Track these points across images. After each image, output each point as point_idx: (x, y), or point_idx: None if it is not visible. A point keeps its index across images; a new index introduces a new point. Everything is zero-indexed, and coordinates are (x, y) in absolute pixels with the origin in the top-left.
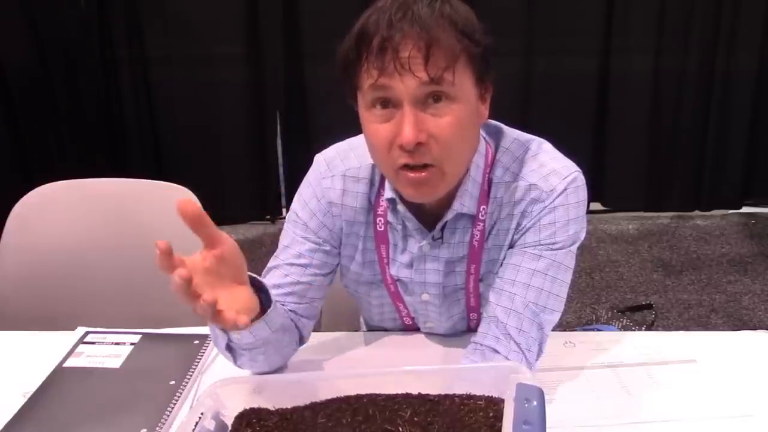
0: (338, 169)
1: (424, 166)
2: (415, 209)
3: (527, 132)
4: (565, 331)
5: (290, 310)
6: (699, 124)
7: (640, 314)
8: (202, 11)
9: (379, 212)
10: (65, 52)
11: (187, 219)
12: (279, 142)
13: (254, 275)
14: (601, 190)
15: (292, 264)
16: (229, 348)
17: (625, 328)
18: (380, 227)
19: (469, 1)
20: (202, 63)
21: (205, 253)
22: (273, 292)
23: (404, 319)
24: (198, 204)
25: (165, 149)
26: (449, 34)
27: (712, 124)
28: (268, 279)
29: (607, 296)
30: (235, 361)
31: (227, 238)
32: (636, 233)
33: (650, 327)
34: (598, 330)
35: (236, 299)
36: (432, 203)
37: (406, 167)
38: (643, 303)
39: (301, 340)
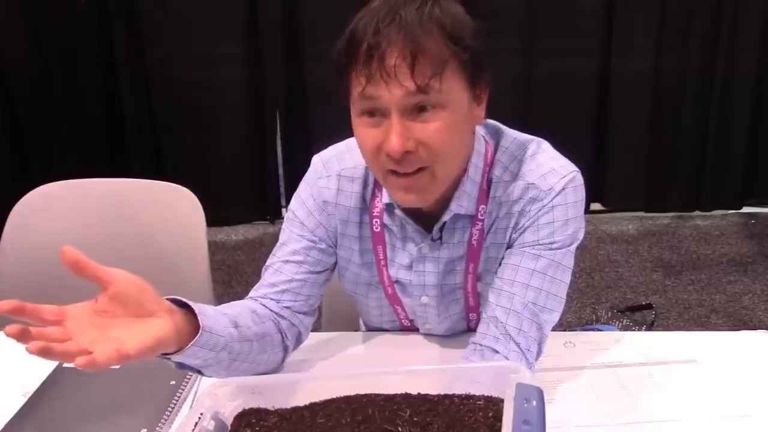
0: (334, 169)
1: (416, 171)
2: (413, 211)
3: (527, 132)
4: (565, 331)
5: (286, 307)
6: (699, 124)
7: (640, 314)
8: (202, 11)
9: (375, 213)
10: (65, 52)
11: (69, 267)
12: (279, 142)
13: (181, 299)
14: (601, 190)
15: (287, 261)
16: (184, 367)
17: (625, 328)
18: (376, 228)
19: (470, 1)
20: (202, 63)
21: (100, 295)
22: (269, 290)
23: (402, 321)
24: (75, 251)
25: (165, 149)
26: (437, 40)
27: (712, 123)
28: (265, 277)
29: (607, 296)
30: (200, 374)
31: (117, 276)
32: (636, 233)
33: (650, 327)
34: (598, 330)
35: (135, 334)
36: (429, 205)
37: (394, 172)
38: (643, 303)
39: (300, 337)
